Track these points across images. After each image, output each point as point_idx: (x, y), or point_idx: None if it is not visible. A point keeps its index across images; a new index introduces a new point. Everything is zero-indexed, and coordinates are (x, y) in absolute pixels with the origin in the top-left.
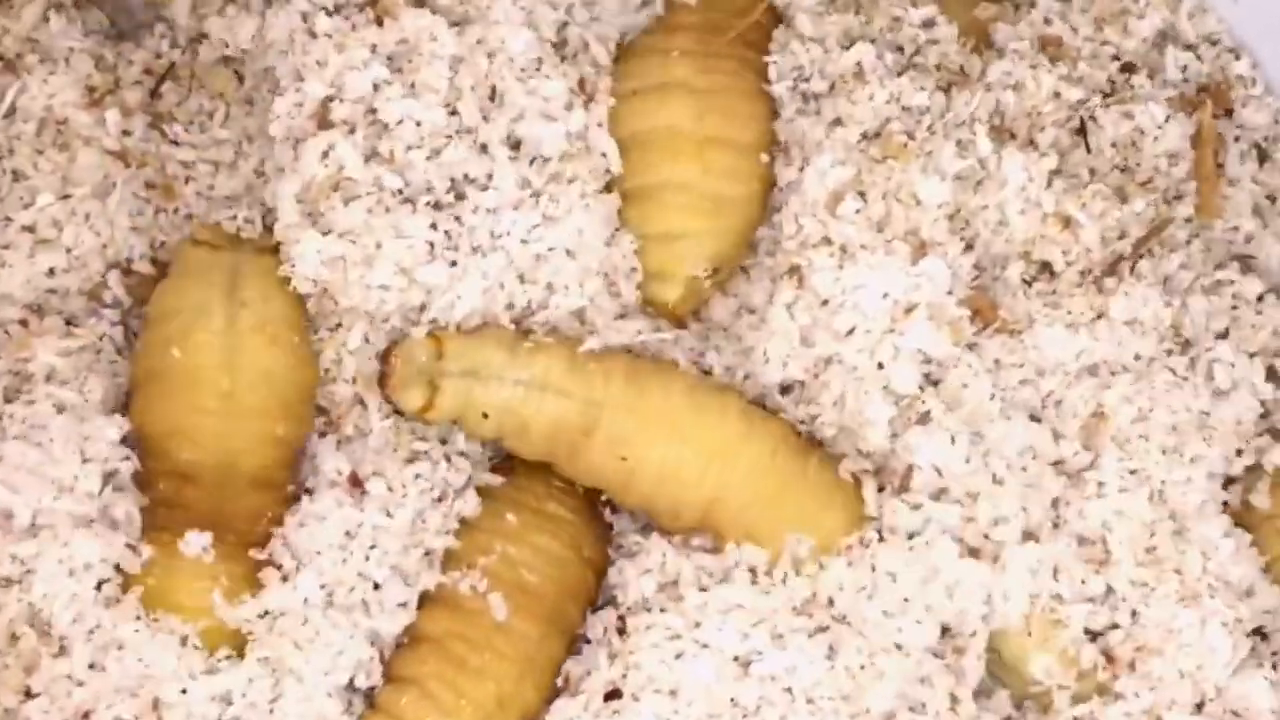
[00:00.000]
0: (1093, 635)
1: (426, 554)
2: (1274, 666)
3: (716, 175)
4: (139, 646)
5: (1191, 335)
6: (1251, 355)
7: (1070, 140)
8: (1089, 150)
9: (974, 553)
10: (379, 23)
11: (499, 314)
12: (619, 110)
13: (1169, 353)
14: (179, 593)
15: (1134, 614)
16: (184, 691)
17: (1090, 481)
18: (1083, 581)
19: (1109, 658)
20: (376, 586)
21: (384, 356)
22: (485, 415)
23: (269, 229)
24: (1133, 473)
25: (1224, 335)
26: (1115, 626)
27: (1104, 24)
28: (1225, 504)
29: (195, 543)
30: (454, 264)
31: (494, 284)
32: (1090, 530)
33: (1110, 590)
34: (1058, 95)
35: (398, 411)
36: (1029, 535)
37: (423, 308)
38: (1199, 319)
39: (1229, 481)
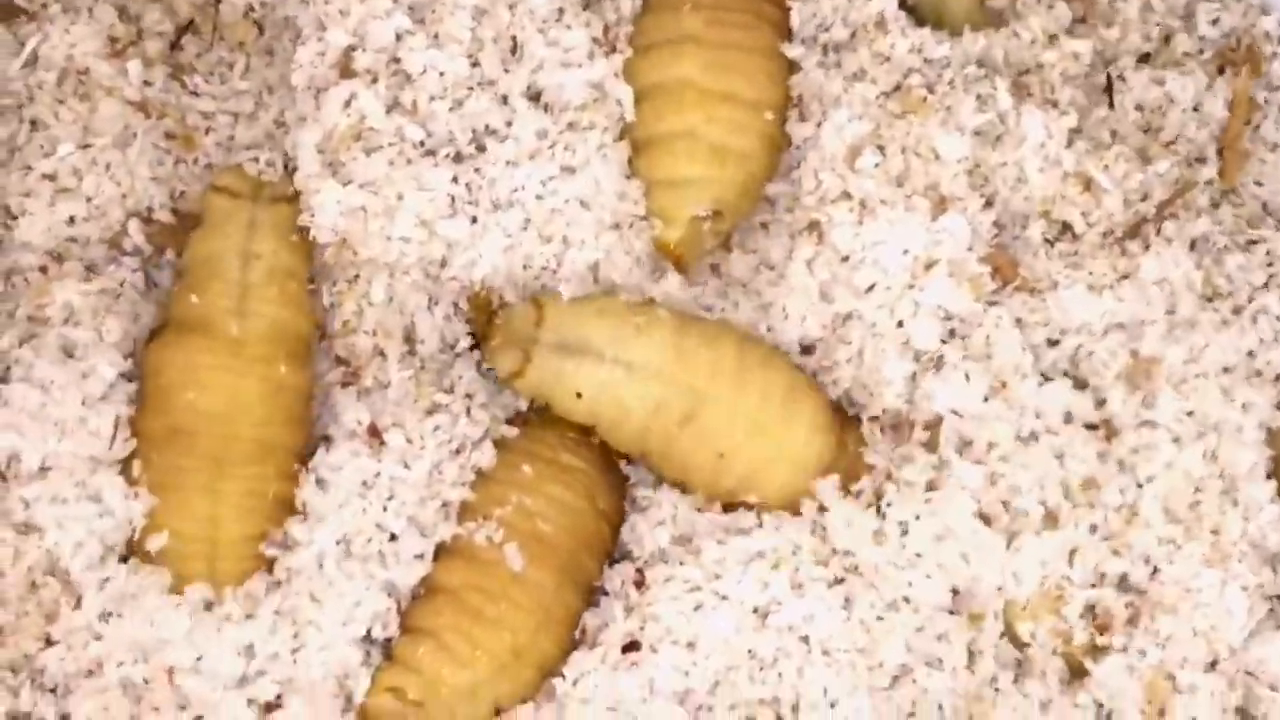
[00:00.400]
0: (1091, 609)
1: (443, 505)
2: None
3: (721, 126)
4: (151, 604)
5: (1228, 289)
6: None
7: (1091, 99)
8: (1112, 107)
9: (988, 520)
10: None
11: (518, 272)
12: (635, 63)
13: (1209, 300)
14: (186, 557)
15: (1155, 571)
16: (198, 659)
17: (1140, 433)
18: (1097, 567)
19: (1101, 626)
20: (393, 538)
21: (486, 317)
22: (579, 395)
23: (290, 173)
24: (1190, 414)
25: (1264, 287)
26: (1124, 588)
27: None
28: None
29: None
30: (475, 220)
31: (513, 241)
32: (1125, 488)
33: (1128, 549)
34: (1080, 55)
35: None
36: (1050, 514)
37: (443, 263)
38: (1236, 274)
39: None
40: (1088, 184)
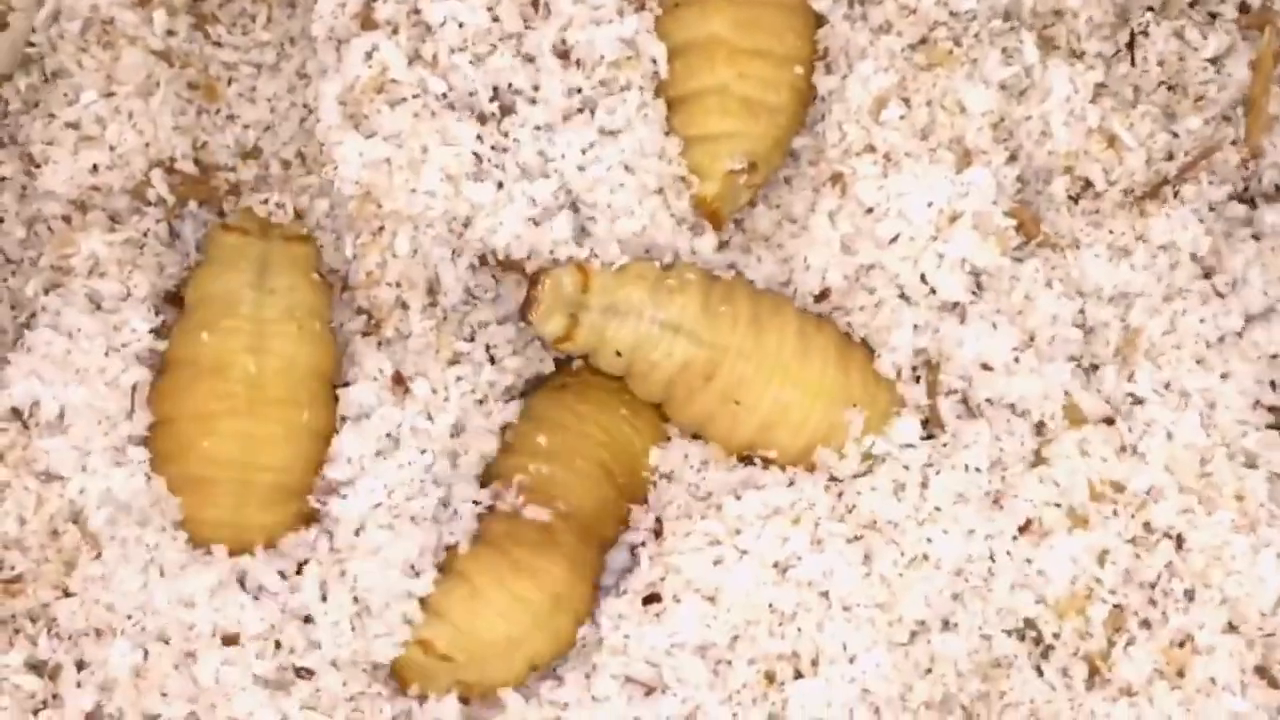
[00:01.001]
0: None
1: (468, 455)
2: None
3: (752, 81)
4: (178, 571)
5: (1228, 262)
6: None
7: (1117, 54)
8: (1134, 64)
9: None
10: None
11: (545, 242)
12: (665, 22)
13: (1207, 272)
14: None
15: (1180, 541)
16: (217, 620)
17: (1132, 409)
18: (1126, 570)
19: (1117, 623)
20: (424, 493)
21: (531, 281)
22: (618, 354)
23: (299, 215)
24: (1167, 387)
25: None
26: (1152, 585)
27: None
28: None
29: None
30: (500, 185)
31: (543, 210)
32: (1134, 466)
33: (1148, 530)
34: (1109, 6)
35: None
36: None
37: (467, 223)
38: (1240, 246)
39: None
40: (1111, 140)
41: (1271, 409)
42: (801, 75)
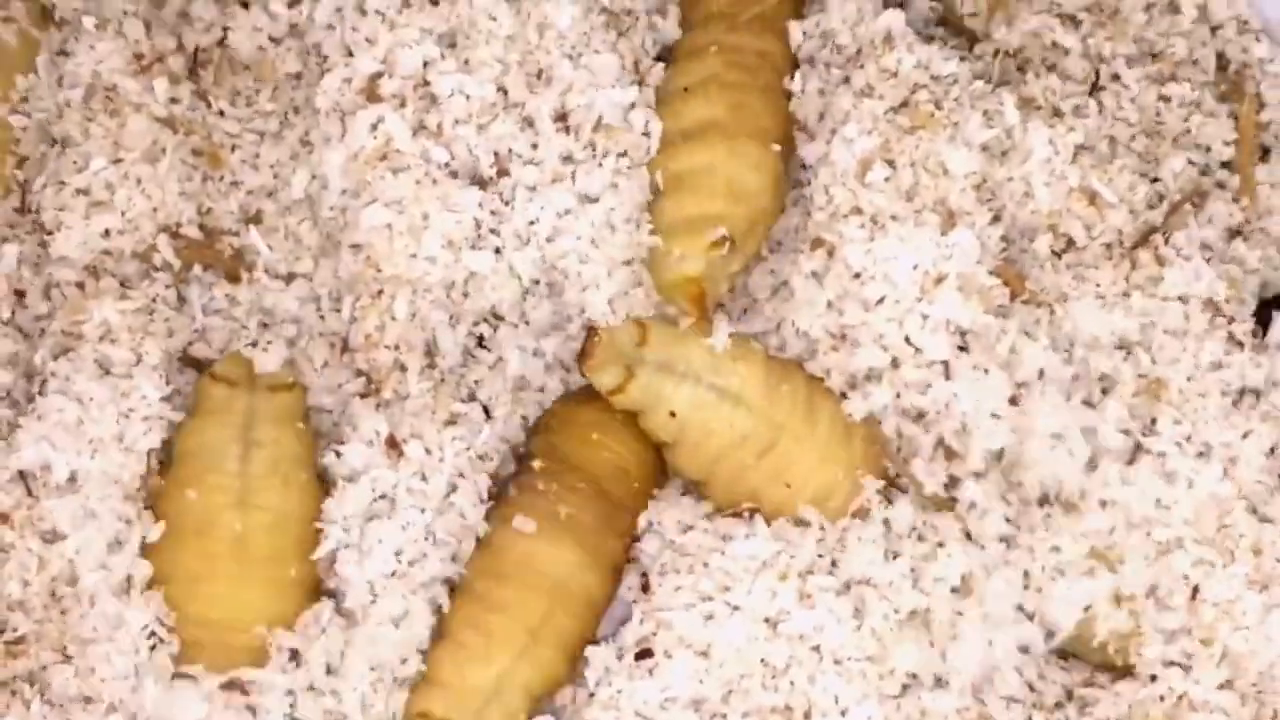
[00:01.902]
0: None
1: (462, 516)
2: None
3: (739, 162)
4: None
5: (1236, 309)
6: None
7: (1098, 110)
8: (1101, 110)
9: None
10: (435, 1)
11: (532, 307)
12: (667, 105)
13: (1225, 319)
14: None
15: (1195, 591)
16: None
17: (1150, 454)
18: (1130, 594)
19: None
20: (425, 556)
21: (588, 333)
22: (672, 414)
23: (290, 364)
24: (1189, 439)
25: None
26: (1162, 612)
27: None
28: None
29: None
30: (499, 251)
31: (529, 279)
32: (1151, 514)
33: (1165, 574)
34: (1086, 57)
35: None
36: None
37: (466, 291)
38: (1248, 292)
39: None
40: (1092, 198)
41: None
42: (779, 154)
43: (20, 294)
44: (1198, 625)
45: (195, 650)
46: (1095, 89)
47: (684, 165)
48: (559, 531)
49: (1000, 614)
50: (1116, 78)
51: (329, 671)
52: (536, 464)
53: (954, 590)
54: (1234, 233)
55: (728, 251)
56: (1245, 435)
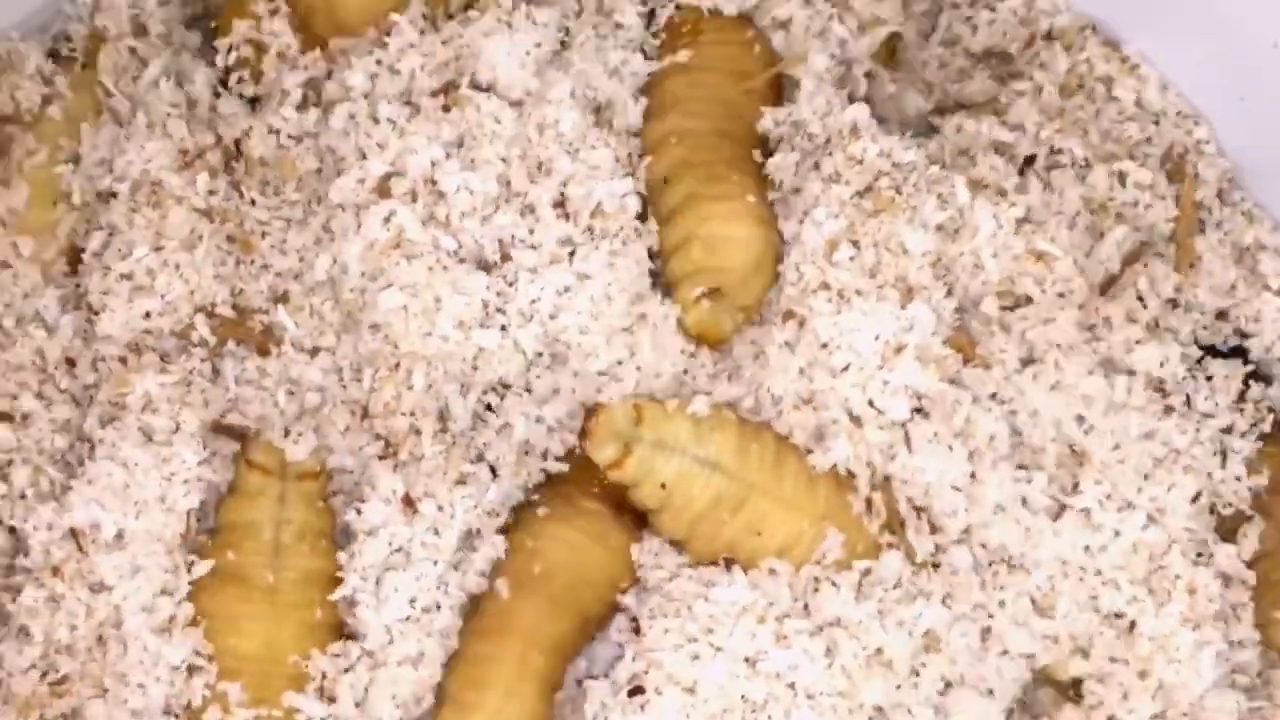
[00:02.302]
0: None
1: (475, 562)
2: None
3: (712, 223)
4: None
5: (1171, 380)
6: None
7: (1043, 188)
8: (1023, 175)
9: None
10: (446, 109)
11: (536, 377)
12: (651, 191)
13: (1157, 390)
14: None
15: (1131, 625)
16: None
17: (1075, 510)
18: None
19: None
20: (438, 606)
21: (588, 414)
22: (663, 485)
23: (317, 454)
24: (1109, 497)
25: (1206, 379)
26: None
27: (1071, 94)
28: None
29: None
30: (504, 329)
31: (533, 352)
32: (1085, 562)
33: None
34: (1030, 141)
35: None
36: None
37: (475, 364)
38: (1175, 364)
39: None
40: (1040, 256)
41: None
42: (755, 203)
43: (71, 363)
44: (1134, 658)
45: (232, 676)
46: (1029, 164)
47: (674, 237)
48: (534, 585)
49: (964, 660)
50: (1056, 151)
51: (357, 705)
52: (524, 538)
53: (923, 636)
54: (1171, 303)
55: (715, 301)
56: (1170, 488)
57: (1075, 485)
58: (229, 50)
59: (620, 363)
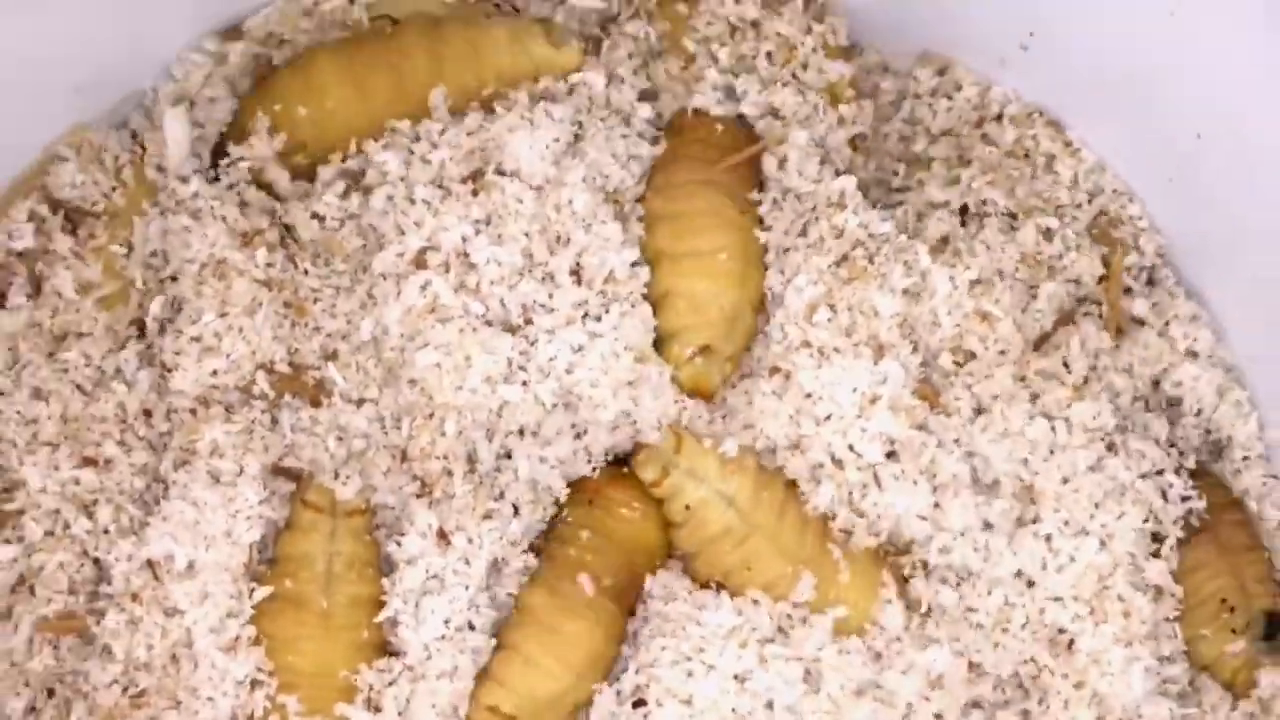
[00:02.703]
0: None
1: (503, 585)
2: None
3: (689, 279)
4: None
5: (1110, 425)
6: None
7: (992, 252)
8: (964, 225)
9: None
10: (475, 193)
11: (551, 423)
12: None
13: (1100, 434)
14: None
15: (1071, 643)
16: None
17: (1034, 536)
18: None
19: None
20: (472, 627)
21: (637, 445)
22: (687, 506)
23: (362, 493)
24: (1067, 524)
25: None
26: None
27: (1016, 186)
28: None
29: None
30: (525, 383)
31: (550, 404)
32: (1036, 574)
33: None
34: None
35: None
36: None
37: (499, 415)
38: (1106, 418)
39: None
40: (984, 316)
41: (1155, 537)
42: (726, 260)
43: (148, 414)
44: (1072, 671)
45: (290, 690)
46: (964, 214)
47: (655, 291)
48: (605, 583)
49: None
50: (983, 202)
51: (400, 714)
52: (584, 534)
53: (929, 678)
54: (1101, 364)
55: (705, 357)
56: (1120, 517)
57: (1035, 518)
58: (238, 161)
59: (626, 413)
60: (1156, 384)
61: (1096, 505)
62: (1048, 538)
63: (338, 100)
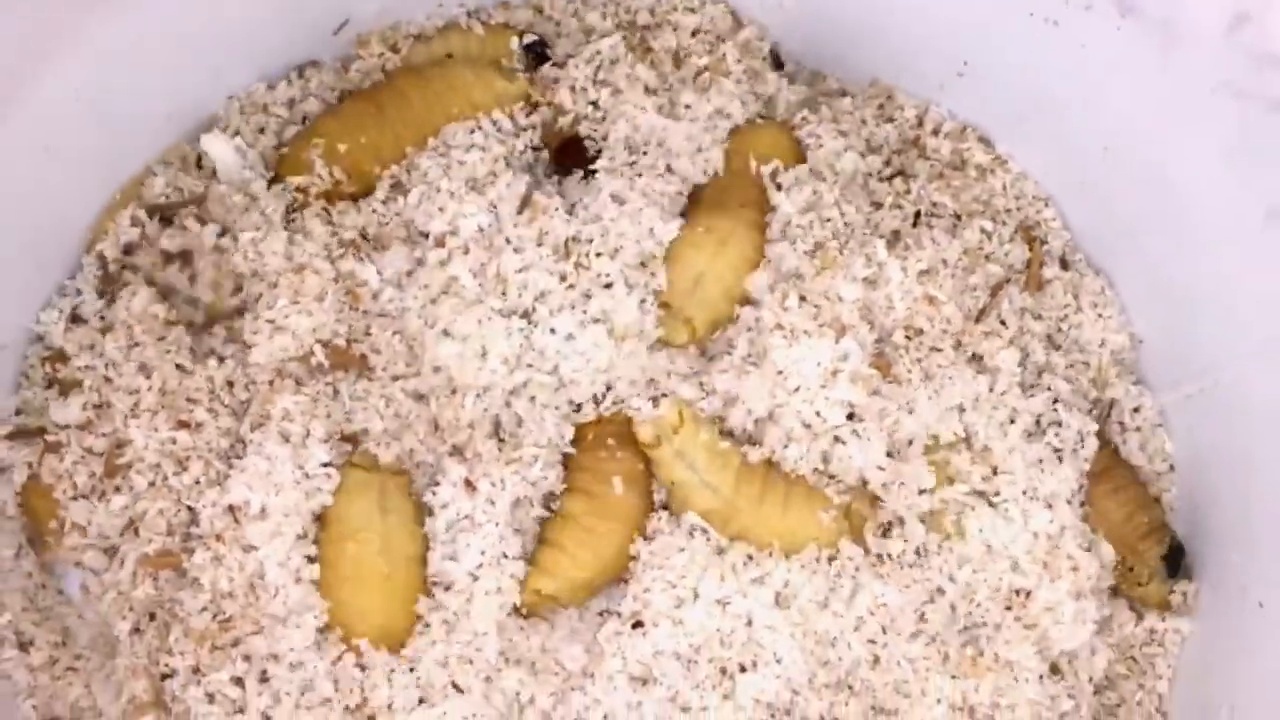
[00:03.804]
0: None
1: (529, 519)
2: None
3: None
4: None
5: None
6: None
7: (935, 242)
8: (916, 226)
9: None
10: (530, 220)
11: (558, 392)
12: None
13: (1024, 389)
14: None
15: (1028, 595)
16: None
17: (991, 505)
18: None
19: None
20: (506, 556)
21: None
22: (672, 483)
23: (408, 454)
24: (1025, 493)
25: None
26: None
27: (961, 193)
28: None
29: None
30: (530, 364)
31: (554, 381)
32: (992, 540)
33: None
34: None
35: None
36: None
37: (514, 391)
38: (1035, 356)
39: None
40: (932, 300)
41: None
42: (704, 232)
43: (231, 384)
44: (1027, 617)
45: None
46: (918, 220)
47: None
48: (634, 486)
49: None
50: (935, 204)
51: (449, 633)
52: (610, 441)
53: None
54: (1025, 310)
55: (664, 311)
56: (1062, 481)
57: (994, 472)
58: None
59: (611, 387)
60: (1062, 332)
61: (1040, 465)
62: (1005, 504)
63: (369, 135)
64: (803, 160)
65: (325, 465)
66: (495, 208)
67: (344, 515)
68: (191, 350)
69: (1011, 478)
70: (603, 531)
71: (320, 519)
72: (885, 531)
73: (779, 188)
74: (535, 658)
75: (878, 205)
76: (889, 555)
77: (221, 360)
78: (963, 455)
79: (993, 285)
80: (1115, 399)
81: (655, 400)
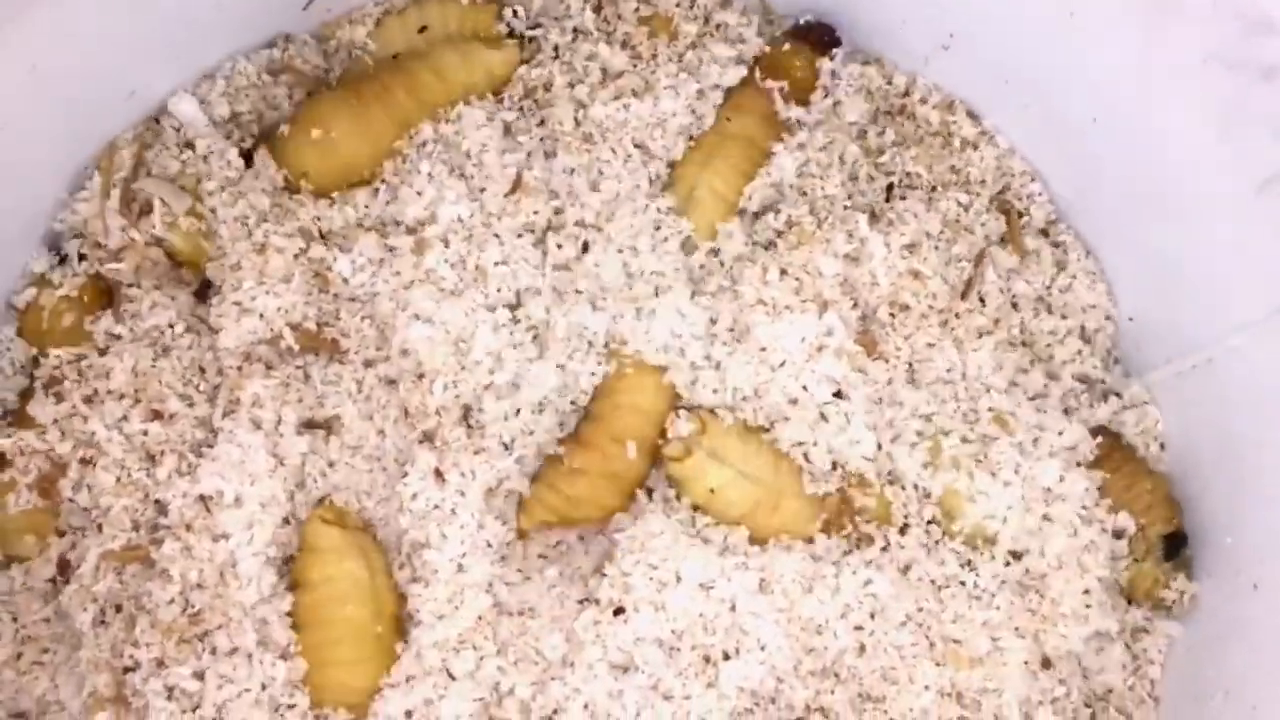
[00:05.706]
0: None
1: (494, 513)
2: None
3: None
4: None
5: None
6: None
7: (915, 215)
8: (889, 200)
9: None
10: (518, 202)
11: (538, 377)
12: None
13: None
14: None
15: (1022, 555)
16: None
17: (990, 463)
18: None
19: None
20: (490, 545)
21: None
22: (712, 490)
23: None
24: (1018, 446)
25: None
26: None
27: (935, 163)
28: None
29: None
30: (514, 347)
31: (542, 369)
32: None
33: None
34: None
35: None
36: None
37: (492, 371)
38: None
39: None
40: (916, 275)
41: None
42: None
43: (203, 370)
44: (1025, 604)
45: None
46: (890, 192)
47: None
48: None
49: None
50: (908, 174)
51: (439, 617)
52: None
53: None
54: (1010, 272)
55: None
56: (1061, 432)
57: (981, 454)
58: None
59: (592, 373)
60: (1052, 311)
61: (1040, 428)
62: (1004, 456)
63: (341, 134)
64: (811, 89)
65: (296, 450)
66: (482, 192)
67: (327, 576)
68: (160, 333)
69: (1004, 459)
70: (604, 487)
71: (297, 580)
72: (873, 515)
73: (788, 102)
74: (515, 646)
75: (854, 178)
76: (877, 539)
77: (191, 345)
78: (953, 436)
79: (975, 255)
80: (1105, 378)
81: (675, 413)
